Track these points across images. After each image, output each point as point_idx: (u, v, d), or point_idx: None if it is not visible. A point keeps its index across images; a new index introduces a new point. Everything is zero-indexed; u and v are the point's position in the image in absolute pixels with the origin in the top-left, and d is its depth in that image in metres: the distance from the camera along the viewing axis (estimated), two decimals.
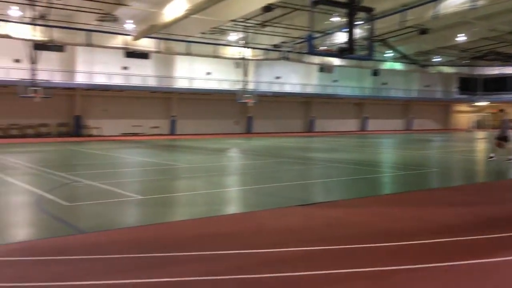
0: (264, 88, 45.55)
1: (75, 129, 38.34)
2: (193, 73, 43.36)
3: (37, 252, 5.57)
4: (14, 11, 30.03)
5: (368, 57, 17.62)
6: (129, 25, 32.15)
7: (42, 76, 31.50)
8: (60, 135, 37.60)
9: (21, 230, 7.14)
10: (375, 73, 53.04)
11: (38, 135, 36.63)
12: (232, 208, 9.21)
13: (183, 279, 4.70)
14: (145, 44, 32.74)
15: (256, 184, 11.92)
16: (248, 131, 46.93)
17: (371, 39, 17.34)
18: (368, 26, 17.27)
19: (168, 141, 31.83)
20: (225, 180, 13.00)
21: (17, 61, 34.61)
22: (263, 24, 34.03)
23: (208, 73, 44.38)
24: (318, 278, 4.79)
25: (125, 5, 27.79)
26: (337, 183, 12.35)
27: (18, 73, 32.48)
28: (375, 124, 55.33)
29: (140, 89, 40.14)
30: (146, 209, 8.61)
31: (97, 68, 38.40)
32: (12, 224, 7.60)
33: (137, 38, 31.62)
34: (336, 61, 43.36)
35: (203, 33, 35.29)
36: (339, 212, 8.15)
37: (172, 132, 42.93)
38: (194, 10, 24.27)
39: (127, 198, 9.53)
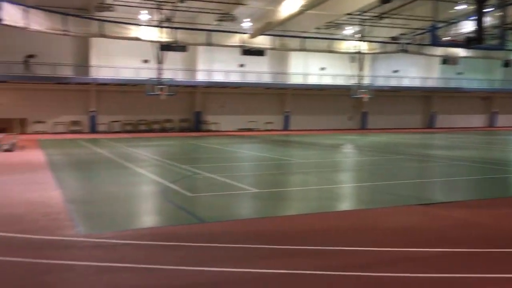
0: (380, 82, 44.06)
1: (195, 125, 40.64)
2: (307, 68, 43.43)
3: (164, 237, 6.02)
4: (144, 15, 32.67)
5: (499, 47, 16.17)
6: (246, 24, 33.15)
7: (167, 75, 33.82)
8: (182, 130, 40.14)
9: (150, 217, 7.78)
10: (507, 64, 48.35)
11: (163, 130, 39.49)
12: (346, 204, 9.09)
13: (299, 272, 4.75)
14: (261, 41, 33.50)
15: (371, 181, 11.60)
16: (363, 127, 45.79)
17: (503, 27, 15.86)
18: (500, 13, 15.82)
19: (282, 137, 32.30)
20: (339, 176, 12.85)
21: (145, 61, 37.59)
22: (380, 16, 32.90)
23: (322, 69, 44.11)
24: (440, 281, 4.53)
25: (243, 4, 28.70)
26: (460, 182, 11.53)
27: (146, 72, 35.27)
28: (506, 120, 50.57)
29: (256, 85, 41.22)
30: (261, 202, 8.84)
31: (216, 66, 40.24)
32: (142, 211, 8.31)
33: (253, 36, 32.50)
34: (461, 52, 40.32)
35: (317, 28, 35.15)
36: (464, 213, 7.61)
37: (285, 128, 43.47)
38: (310, 6, 24.26)
39: (244, 191, 9.87)
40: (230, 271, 4.79)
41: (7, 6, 23.26)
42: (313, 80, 43.15)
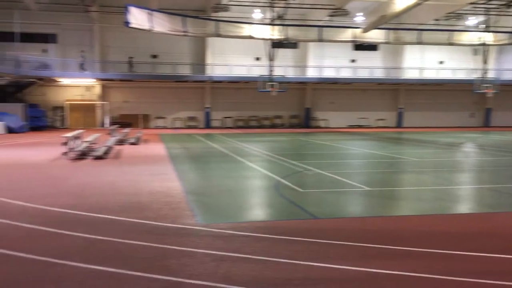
0: (507, 76, 40.35)
1: (305, 121, 40.74)
2: (424, 63, 41.27)
3: (279, 231, 6.15)
4: (257, 14, 33.47)
5: None
6: (359, 18, 32.38)
7: (278, 71, 34.34)
8: (291, 126, 40.50)
9: (264, 211, 7.99)
10: None
11: (273, 126, 40.19)
12: (465, 207, 8.48)
13: (415, 275, 4.56)
14: (374, 35, 32.49)
15: (495, 183, 10.70)
16: (486, 125, 42.36)
17: None
18: None
19: (395, 134, 31.09)
20: (457, 176, 12.04)
21: (257, 59, 38.56)
22: (508, 4, 30.10)
23: (441, 62, 41.61)
24: None
25: None
26: None
27: (258, 70, 36.16)
28: None
29: (368, 81, 40.16)
30: (372, 201, 8.62)
31: (327, 62, 39.92)
32: (256, 205, 8.56)
33: (366, 30, 31.65)
34: None
35: (436, 19, 33.20)
36: None
37: (398, 125, 41.78)
38: None
39: (355, 188, 9.69)
40: (343, 269, 4.75)
41: (134, 11, 25.32)
42: (430, 74, 40.89)
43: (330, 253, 5.28)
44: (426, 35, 32.94)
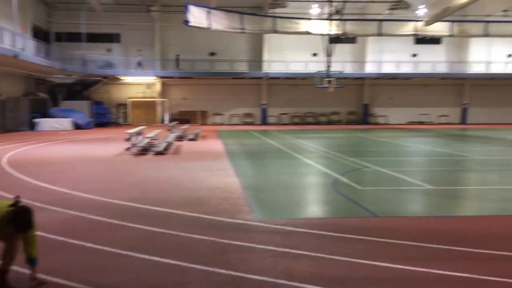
0: None
1: (363, 117, 39.96)
2: (491, 56, 39.26)
3: (337, 229, 6.07)
4: (314, 9, 33.15)
5: None
6: (421, 11, 31.26)
7: (336, 67, 33.86)
8: (348, 122, 39.86)
9: (321, 208, 7.92)
10: None
11: (330, 123, 39.73)
12: None
13: (481, 277, 4.35)
14: (437, 28, 31.20)
15: None
16: None
17: None
18: None
19: (458, 131, 29.81)
20: None
21: (314, 55, 38.23)
22: None
23: (510, 55, 39.44)
24: None
25: None
26: None
27: (315, 66, 35.83)
28: None
29: (429, 76, 38.77)
30: (435, 200, 8.31)
31: (386, 57, 38.90)
32: (313, 201, 8.50)
33: (429, 23, 30.48)
34: None
35: (505, 10, 31.46)
36: None
37: (462, 121, 40.05)
38: None
39: (416, 187, 9.39)
40: (405, 269, 4.61)
41: (193, 9, 25.82)
42: (497, 68, 38.85)
43: (393, 253, 5.15)
44: (493, 27, 31.23)
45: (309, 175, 11.15)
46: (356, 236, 5.72)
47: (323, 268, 4.64)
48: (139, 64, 36.00)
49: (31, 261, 4.03)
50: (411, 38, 36.30)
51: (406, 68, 38.64)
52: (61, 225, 6.24)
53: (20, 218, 3.87)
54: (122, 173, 11.18)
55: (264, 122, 39.31)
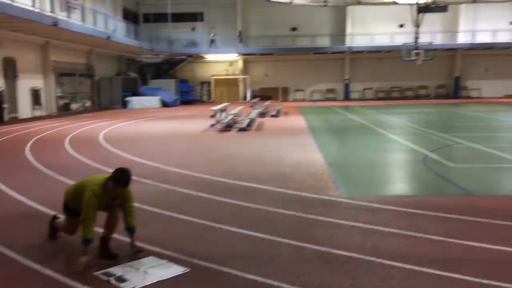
0: None
1: (454, 91, 37.70)
2: None
3: (428, 207, 5.82)
4: None
5: None
6: None
7: (424, 38, 32.05)
8: (438, 96, 37.83)
9: (410, 185, 7.64)
10: None
11: (417, 97, 37.95)
12: None
13: None
14: None
15: None
16: None
17: None
18: None
19: None
20: None
21: (401, 26, 36.47)
22: None
23: None
24: None
25: None
26: None
27: (401, 38, 34.19)
28: None
29: None
30: None
31: (480, 25, 36.11)
32: (401, 179, 8.22)
33: None
34: None
35: None
36: None
37: None
38: None
39: None
40: (503, 250, 4.33)
41: None
42: None
43: (489, 233, 4.85)
44: None
45: (396, 152, 10.78)
46: (448, 215, 5.46)
47: (414, 247, 4.48)
48: (213, 42, 36.52)
49: (130, 230, 4.30)
50: (510, 3, 33.30)
51: (503, 37, 35.64)
52: (155, 197, 6.58)
53: (120, 174, 4.12)
54: (209, 149, 11.53)
55: (347, 97, 38.46)
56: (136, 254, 4.31)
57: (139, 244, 4.42)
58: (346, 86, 38.70)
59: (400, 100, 36.07)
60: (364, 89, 38.99)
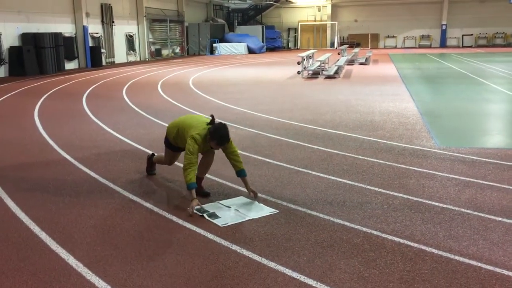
0: None
1: None
2: None
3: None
4: None
5: None
6: None
7: None
8: None
9: None
10: None
11: None
12: None
13: None
14: None
15: None
16: None
17: None
18: None
19: None
20: None
21: None
22: None
23: None
24: None
25: None
26: None
27: None
28: None
29: None
30: None
31: None
32: (504, 131, 7.63)
33: None
34: None
35: None
36: None
37: None
38: None
39: None
40: None
41: None
42: None
43: None
44: None
45: (498, 102, 9.98)
46: None
47: None
48: None
49: (241, 173, 4.31)
50: None
51: None
52: (242, 141, 6.72)
53: (218, 133, 4.13)
54: (295, 96, 11.45)
55: (443, 44, 35.98)
56: (253, 197, 4.35)
57: (229, 185, 4.54)
58: (443, 32, 36.10)
59: (504, 48, 33.04)
60: (463, 35, 36.15)
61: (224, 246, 3.37)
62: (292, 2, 37.34)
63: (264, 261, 3.13)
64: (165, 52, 28.70)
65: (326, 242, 3.42)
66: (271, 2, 36.42)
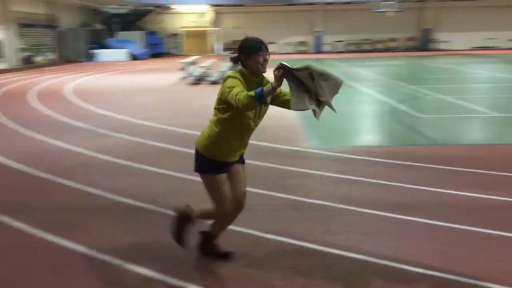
0: None
1: (423, 43, 37.91)
2: None
3: (396, 156, 5.97)
4: None
5: None
6: None
7: None
8: (407, 49, 38.01)
9: (380, 136, 7.79)
10: None
11: (387, 50, 38.04)
12: None
13: None
14: None
15: None
16: None
17: None
18: None
19: None
20: None
21: None
22: None
23: None
24: None
25: None
26: None
27: None
28: None
29: None
30: (499, 127, 7.94)
31: None
32: (371, 130, 8.36)
33: None
34: None
35: None
36: None
37: None
38: None
39: (481, 114, 8.99)
40: (468, 196, 4.52)
41: None
42: None
43: (454, 180, 5.04)
44: None
45: (367, 104, 10.91)
46: (416, 164, 5.62)
47: (383, 194, 4.63)
48: None
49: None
50: None
51: None
52: (126, 150, 6.52)
53: (247, 40, 3.06)
54: (180, 102, 11.40)
55: (319, 50, 38.26)
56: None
57: (109, 196, 4.38)
58: (318, 39, 38.42)
59: (371, 53, 36.13)
60: (336, 41, 38.82)
61: None
62: (172, 8, 37.10)
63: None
64: (38, 59, 26.77)
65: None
66: (151, 8, 35.80)
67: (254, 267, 3.17)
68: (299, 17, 38.31)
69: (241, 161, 3.18)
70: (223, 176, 3.03)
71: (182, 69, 16.12)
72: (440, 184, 4.84)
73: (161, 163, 5.84)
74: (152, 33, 35.79)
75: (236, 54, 2.99)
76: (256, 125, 3.05)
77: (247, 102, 2.68)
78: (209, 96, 12.10)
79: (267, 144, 6.80)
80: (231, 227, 3.78)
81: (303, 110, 2.83)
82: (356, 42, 38.81)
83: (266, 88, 2.73)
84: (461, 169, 5.39)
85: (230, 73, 2.93)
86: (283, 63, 2.78)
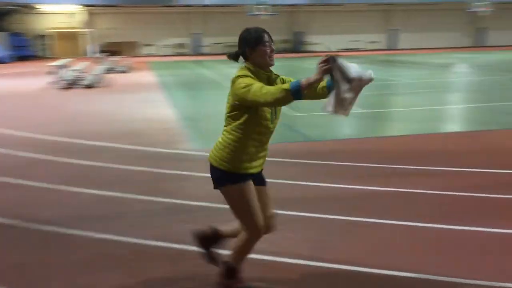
0: None
1: (295, 45, 39.84)
2: None
3: (275, 154, 6.17)
4: None
5: None
6: None
7: None
8: (281, 51, 39.73)
9: None
10: None
11: None
12: (457, 126, 8.61)
13: (417, 191, 4.68)
14: None
15: (488, 102, 10.78)
16: (479, 45, 41.83)
17: None
18: None
19: (388, 56, 30.72)
20: (450, 97, 12.09)
21: None
22: None
23: None
24: None
25: None
26: None
27: None
28: None
29: (359, 1, 38.83)
30: (366, 122, 8.69)
31: None
32: None
33: None
34: None
35: None
36: None
37: (391, 47, 41.16)
38: None
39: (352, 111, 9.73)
40: (347, 188, 4.86)
41: None
42: None
43: (332, 174, 5.39)
44: None
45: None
46: (291, 160, 5.91)
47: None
48: None
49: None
50: None
51: None
52: None
53: (248, 31, 2.79)
54: (50, 108, 10.66)
55: (198, 52, 38.34)
56: None
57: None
58: (196, 41, 38.48)
59: None
60: (215, 43, 39.22)
61: None
62: (37, 8, 34.44)
63: None
64: None
65: (86, 260, 3.30)
66: (13, 7, 32.84)
67: (133, 275, 3.09)
68: (177, 18, 38.02)
69: (263, 182, 2.91)
70: (251, 184, 2.68)
71: (50, 73, 15.07)
72: (314, 178, 5.15)
73: (30, 174, 5.41)
74: (16, 34, 32.93)
75: (236, 50, 2.72)
76: (274, 127, 2.75)
77: (281, 96, 2.34)
78: (82, 101, 11.49)
79: (145, 148, 6.65)
80: (101, 235, 3.65)
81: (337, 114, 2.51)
82: (234, 44, 39.18)
83: (305, 80, 2.38)
84: (332, 162, 5.79)
85: (237, 72, 2.63)
86: (334, 56, 2.50)
